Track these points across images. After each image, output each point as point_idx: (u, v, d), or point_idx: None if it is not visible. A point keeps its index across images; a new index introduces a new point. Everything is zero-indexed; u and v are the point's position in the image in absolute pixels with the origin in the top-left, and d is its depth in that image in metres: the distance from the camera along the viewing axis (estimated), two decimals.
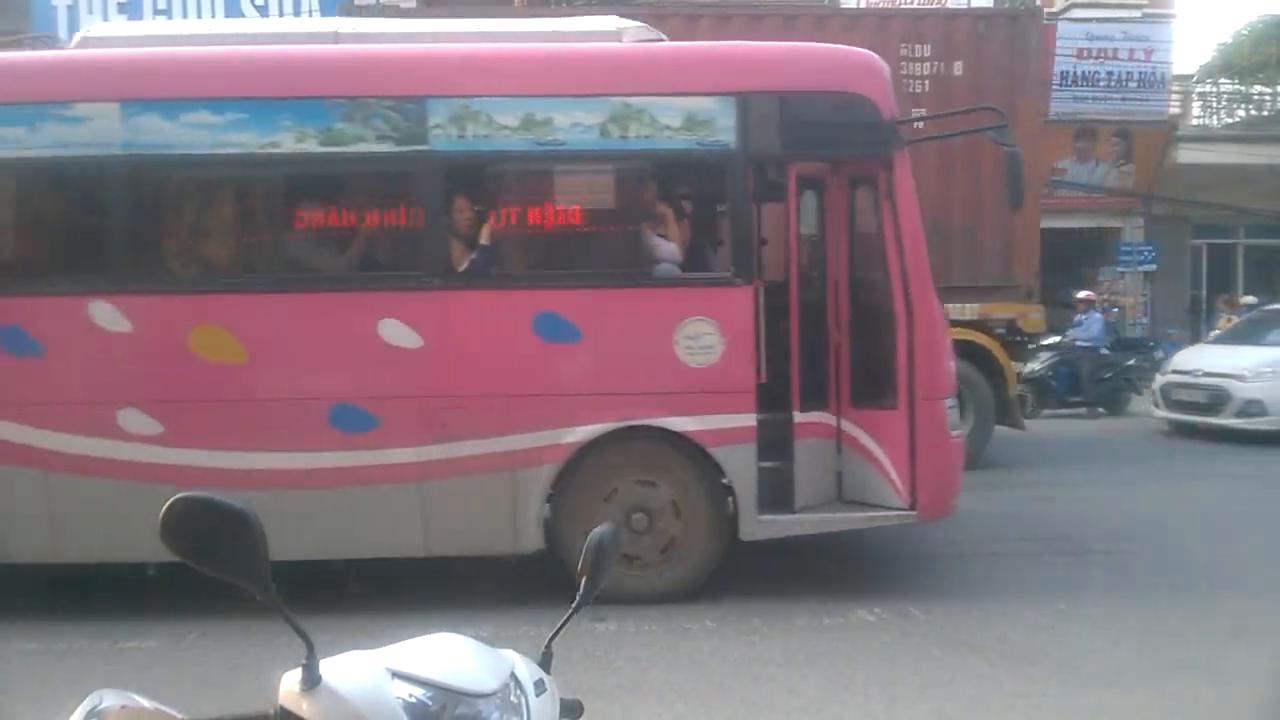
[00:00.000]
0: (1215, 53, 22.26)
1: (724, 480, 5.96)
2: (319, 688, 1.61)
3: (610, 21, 6.59)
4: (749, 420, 5.89)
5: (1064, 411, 14.00)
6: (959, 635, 5.46)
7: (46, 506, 5.80)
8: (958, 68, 10.09)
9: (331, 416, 5.85)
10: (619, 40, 6.33)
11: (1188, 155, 18.17)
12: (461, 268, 6.02)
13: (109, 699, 1.91)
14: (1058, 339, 14.08)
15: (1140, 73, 18.40)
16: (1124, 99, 18.33)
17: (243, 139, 5.85)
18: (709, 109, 5.90)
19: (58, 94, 5.86)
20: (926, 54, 10.10)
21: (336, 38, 6.32)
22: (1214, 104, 21.76)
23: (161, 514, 1.63)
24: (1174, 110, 19.75)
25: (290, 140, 5.85)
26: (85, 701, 1.89)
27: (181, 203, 6.27)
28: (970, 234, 10.05)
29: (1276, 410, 11.68)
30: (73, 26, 15.44)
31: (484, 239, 6.00)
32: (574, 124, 5.90)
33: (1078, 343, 14.06)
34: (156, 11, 16.06)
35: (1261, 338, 12.91)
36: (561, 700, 1.87)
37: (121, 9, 15.91)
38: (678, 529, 6.02)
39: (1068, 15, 19.06)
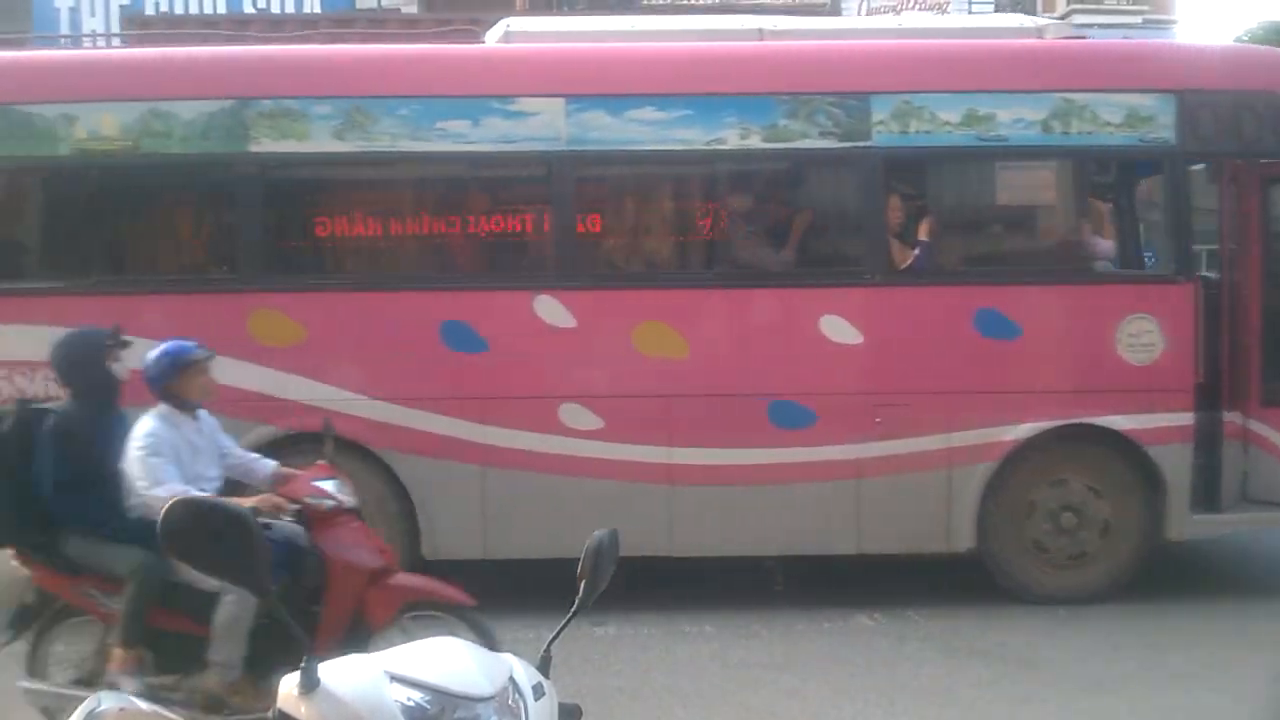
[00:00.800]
0: None
1: (1158, 479, 5.85)
2: (317, 691, 1.62)
3: (1024, 19, 6.54)
4: (1186, 419, 5.81)
5: None
6: (959, 640, 5.44)
7: (481, 503, 5.83)
8: None
9: (770, 412, 5.85)
10: (1040, 37, 6.25)
11: None
12: (903, 264, 5.96)
13: (108, 701, 1.91)
14: None
15: None
16: None
17: (687, 135, 5.87)
18: (1150, 106, 5.83)
19: (500, 88, 5.91)
20: None
21: (761, 34, 6.36)
22: None
23: (161, 517, 1.63)
24: None
25: (734, 136, 5.86)
26: (84, 704, 1.90)
27: (624, 198, 6.37)
28: None
29: None
30: (74, 28, 15.48)
31: (924, 235, 5.94)
32: (1016, 119, 5.81)
33: None
34: (159, 12, 16.08)
35: None
36: (560, 704, 1.87)
37: (123, 10, 15.93)
38: (1106, 528, 5.90)
39: (1068, 22, 19.06)
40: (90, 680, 3.95)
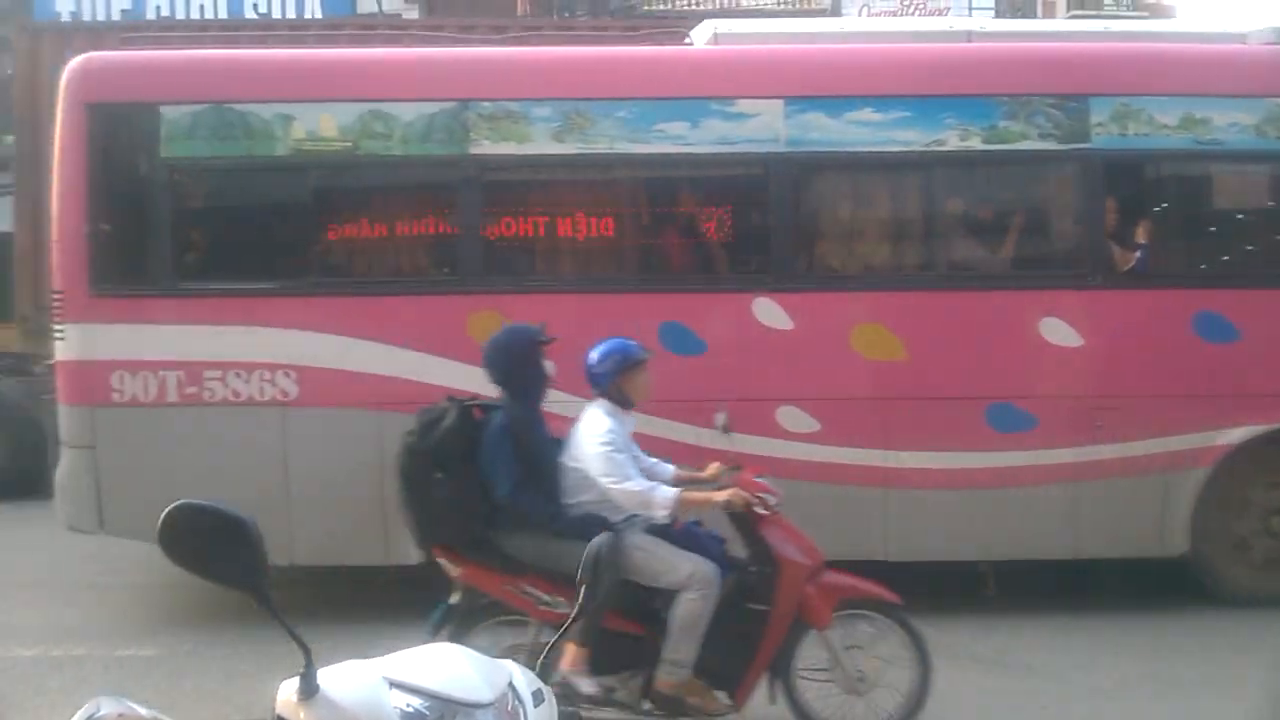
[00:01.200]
0: None
1: None
2: (316, 697, 1.62)
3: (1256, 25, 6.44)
4: None
5: None
6: (959, 646, 5.36)
7: None
8: None
9: (989, 416, 5.83)
10: (1244, 42, 6.19)
11: None
12: (1123, 266, 5.93)
13: (106, 707, 1.91)
14: None
15: None
16: None
17: (906, 136, 5.87)
18: None
19: (719, 90, 5.91)
20: None
21: (969, 37, 6.35)
22: None
23: (160, 521, 1.63)
24: None
25: (953, 138, 5.86)
26: (83, 709, 1.89)
27: (841, 200, 6.36)
28: None
29: None
30: None
31: (1144, 238, 5.90)
32: (1231, 123, 5.77)
33: None
34: (159, 14, 16.11)
35: None
36: (559, 710, 1.86)
37: (124, 14, 15.95)
38: None
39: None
40: None
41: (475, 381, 5.43)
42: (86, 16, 15.90)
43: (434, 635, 3.81)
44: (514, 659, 3.77)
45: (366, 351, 5.77)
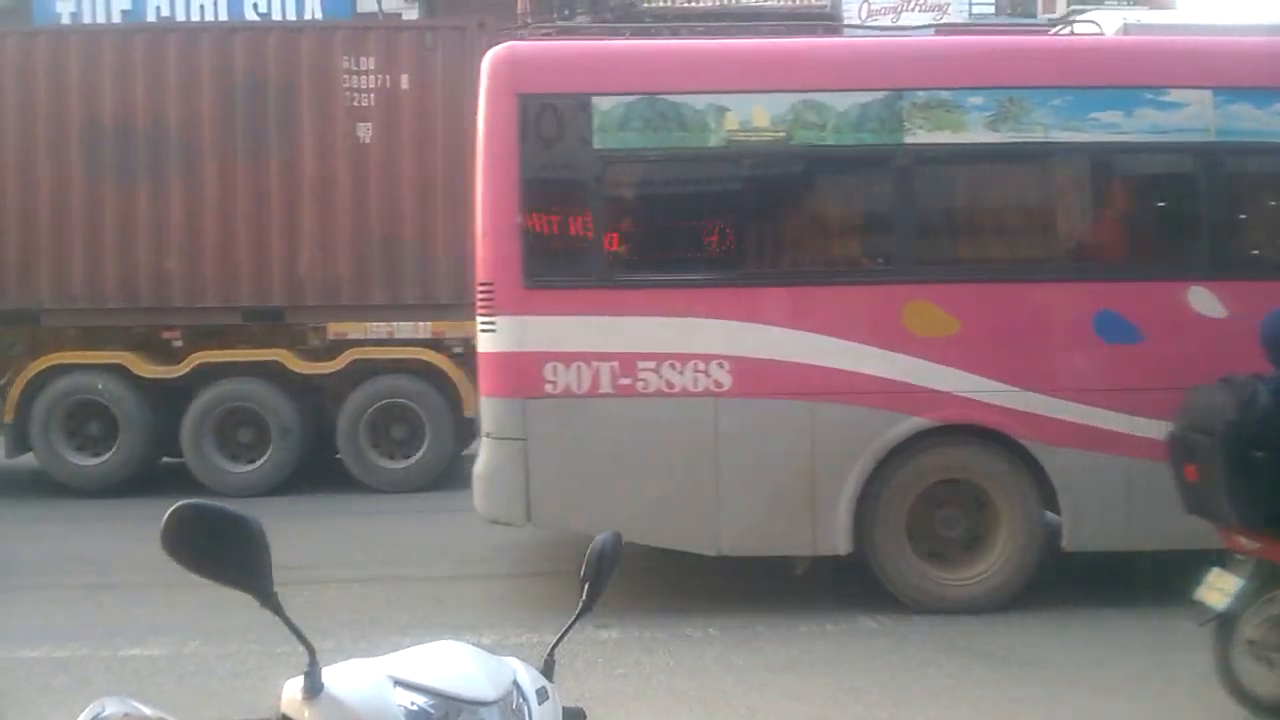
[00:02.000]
0: None
1: None
2: (321, 695, 1.61)
3: None
4: None
5: None
6: (962, 642, 5.42)
7: (1126, 495, 5.75)
8: (405, 81, 9.51)
9: None
10: None
11: None
12: None
13: (111, 707, 1.91)
14: None
15: None
16: None
17: None
18: None
19: (1155, 79, 5.90)
20: (371, 66, 9.52)
21: None
22: None
23: (163, 521, 1.63)
24: None
25: None
26: (88, 710, 1.90)
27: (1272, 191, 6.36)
28: (420, 248, 9.49)
29: None
30: None
31: None
32: None
33: None
34: (159, 15, 16.12)
35: None
36: (564, 708, 1.86)
37: (125, 15, 15.97)
38: None
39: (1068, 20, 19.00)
40: None
41: (912, 372, 5.78)
42: (86, 18, 15.93)
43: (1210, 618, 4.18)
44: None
45: (799, 342, 5.78)
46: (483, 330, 5.89)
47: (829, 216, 6.35)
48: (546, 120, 5.86)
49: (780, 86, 5.89)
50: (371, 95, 9.57)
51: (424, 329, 9.56)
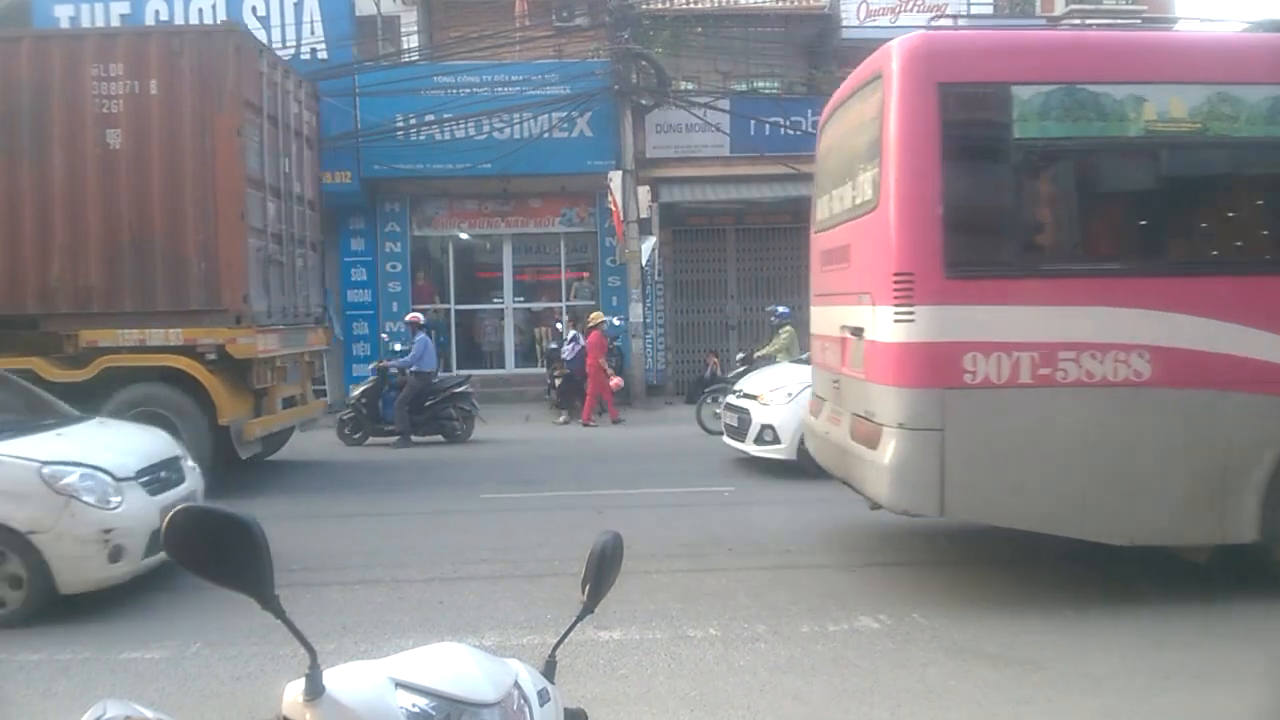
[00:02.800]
0: None
1: None
2: (322, 698, 1.61)
3: None
4: None
5: (378, 440, 13.40)
6: (964, 642, 5.43)
7: None
8: (153, 86, 9.70)
9: None
10: None
11: None
12: None
13: (113, 710, 1.91)
14: (385, 363, 13.83)
15: None
16: None
17: None
18: None
19: None
20: (120, 73, 9.70)
21: None
22: None
23: (164, 524, 1.63)
24: None
25: None
26: (89, 713, 1.90)
27: None
28: (172, 254, 9.69)
29: (788, 438, 10.17)
30: None
31: None
32: None
33: (399, 368, 13.46)
34: (158, 18, 16.15)
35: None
36: (566, 709, 1.86)
37: (124, 19, 16.01)
38: None
39: (1067, 21, 19.07)
40: None
41: None
42: (85, 22, 15.97)
43: None
44: None
45: (1217, 332, 5.77)
46: (899, 320, 5.81)
47: (1246, 208, 6.26)
48: (967, 110, 5.91)
49: (1198, 79, 5.89)
50: (120, 101, 9.76)
51: (175, 336, 9.78)
